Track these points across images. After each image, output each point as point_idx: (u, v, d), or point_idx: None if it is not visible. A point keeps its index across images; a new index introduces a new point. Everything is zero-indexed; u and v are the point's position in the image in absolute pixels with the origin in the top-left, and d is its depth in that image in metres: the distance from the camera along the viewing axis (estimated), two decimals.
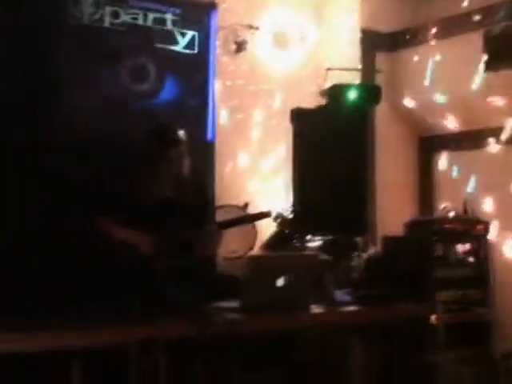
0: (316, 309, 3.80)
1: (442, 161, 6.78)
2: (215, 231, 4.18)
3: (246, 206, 5.69)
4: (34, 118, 4.96)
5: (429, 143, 6.93)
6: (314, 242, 5.46)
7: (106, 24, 5.26)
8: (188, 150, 4.15)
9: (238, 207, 5.60)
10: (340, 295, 4.19)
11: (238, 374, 3.53)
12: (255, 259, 3.75)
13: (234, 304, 3.62)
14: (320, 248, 5.31)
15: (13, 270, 4.75)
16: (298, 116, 5.46)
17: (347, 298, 4.18)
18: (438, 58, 6.44)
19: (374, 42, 6.66)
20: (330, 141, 5.47)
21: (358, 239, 5.60)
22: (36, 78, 4.91)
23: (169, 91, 5.53)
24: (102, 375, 3.25)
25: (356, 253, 5.31)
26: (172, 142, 4.02)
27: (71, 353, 3.34)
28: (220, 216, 4.88)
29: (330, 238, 5.41)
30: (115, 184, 4.21)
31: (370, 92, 5.77)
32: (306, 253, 4.24)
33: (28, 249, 4.84)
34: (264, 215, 4.69)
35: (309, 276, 3.77)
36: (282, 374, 4.04)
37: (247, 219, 5.04)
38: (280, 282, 3.58)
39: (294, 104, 5.69)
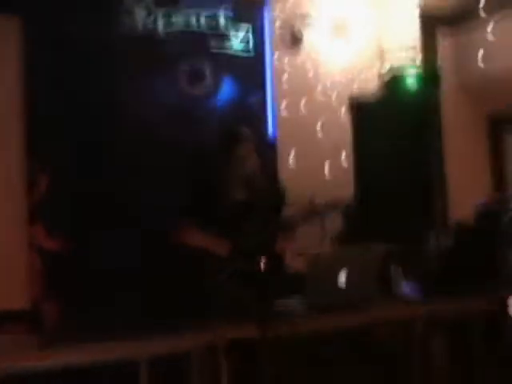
0: (383, 304, 3.70)
1: None
2: (289, 230, 4.15)
3: (312, 200, 5.62)
4: (97, 127, 5.07)
5: (499, 123, 6.68)
6: (382, 234, 5.35)
7: (160, 31, 5.30)
8: (255, 149, 4.11)
9: (305, 202, 5.55)
10: (409, 288, 4.07)
11: (304, 373, 3.48)
12: (316, 256, 3.68)
13: (298, 302, 3.56)
14: (388, 239, 5.20)
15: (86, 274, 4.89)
16: (358, 106, 5.35)
17: (416, 291, 4.06)
18: (505, 30, 6.04)
19: (435, 19, 6.38)
20: (392, 129, 5.34)
21: (428, 229, 5.46)
22: (93, 89, 5.00)
23: (227, 92, 5.54)
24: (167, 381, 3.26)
25: (426, 243, 5.17)
26: (235, 142, 4.00)
27: (137, 361, 3.37)
28: (289, 212, 4.84)
29: (398, 228, 5.29)
30: (188, 187, 4.21)
31: (431, 75, 5.61)
32: (371, 246, 4.13)
33: (104, 252, 4.99)
34: (334, 207, 4.60)
35: (374, 270, 3.67)
36: (348, 371, 3.97)
37: (318, 213, 4.97)
38: (343, 277, 3.51)
39: (354, 93, 5.59)
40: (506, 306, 4.22)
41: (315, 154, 5.85)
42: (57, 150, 4.92)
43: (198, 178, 4.27)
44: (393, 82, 5.51)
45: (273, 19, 5.64)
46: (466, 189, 6.31)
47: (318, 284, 3.52)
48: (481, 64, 6.12)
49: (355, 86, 5.78)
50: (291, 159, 5.75)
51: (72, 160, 4.96)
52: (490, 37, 6.09)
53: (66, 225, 4.97)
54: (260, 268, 3.92)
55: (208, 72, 5.46)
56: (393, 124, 5.37)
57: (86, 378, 3.73)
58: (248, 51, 5.55)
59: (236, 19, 5.51)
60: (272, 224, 4.05)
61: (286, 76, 5.80)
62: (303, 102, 5.83)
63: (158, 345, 3.20)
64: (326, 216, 5.16)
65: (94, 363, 3.20)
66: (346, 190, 5.73)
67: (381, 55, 5.92)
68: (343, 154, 5.81)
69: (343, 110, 5.63)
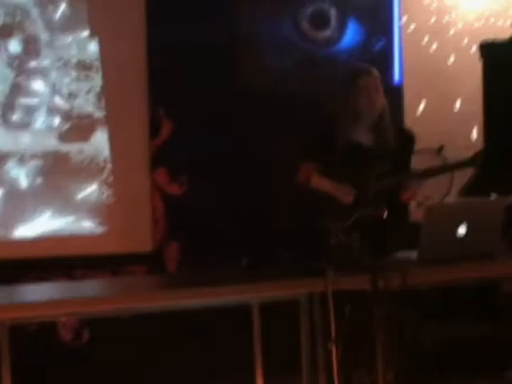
0: (504, 258, 3.53)
1: None
2: (417, 180, 3.97)
3: (440, 148, 5.39)
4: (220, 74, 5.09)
5: None
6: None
7: None
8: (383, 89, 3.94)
9: (432, 151, 5.35)
10: None
11: (415, 328, 3.40)
12: (434, 207, 3.54)
13: (415, 255, 3.46)
14: None
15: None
16: (489, 50, 5.07)
17: None
18: None
19: None
20: None
21: None
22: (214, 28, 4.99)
23: (351, 36, 5.39)
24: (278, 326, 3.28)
25: None
26: (365, 72, 3.85)
27: (250, 305, 3.41)
28: (416, 162, 4.67)
29: None
30: (316, 131, 4.11)
31: None
32: (492, 199, 3.92)
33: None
34: (470, 162, 4.32)
35: (495, 223, 3.49)
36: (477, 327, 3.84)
37: (452, 167, 4.76)
38: (462, 230, 3.37)
39: (485, 38, 5.30)
40: None
41: (443, 100, 5.62)
42: (181, 96, 4.98)
43: (318, 123, 4.16)
44: None
45: None
46: None
47: (431, 236, 3.39)
48: None
49: (486, 31, 5.47)
50: (418, 105, 5.55)
51: (194, 106, 5.01)
52: None
53: (189, 169, 5.06)
54: (382, 217, 3.81)
55: (332, 15, 5.33)
56: None
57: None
58: None
59: None
60: (399, 172, 3.89)
61: (414, 19, 5.57)
62: (431, 45, 5.59)
63: (270, 289, 3.21)
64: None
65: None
66: (476, 137, 5.50)
67: None
68: (471, 100, 5.54)
69: (474, 54, 5.34)
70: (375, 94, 3.81)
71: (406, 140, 4.03)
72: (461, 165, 4.56)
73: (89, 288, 3.68)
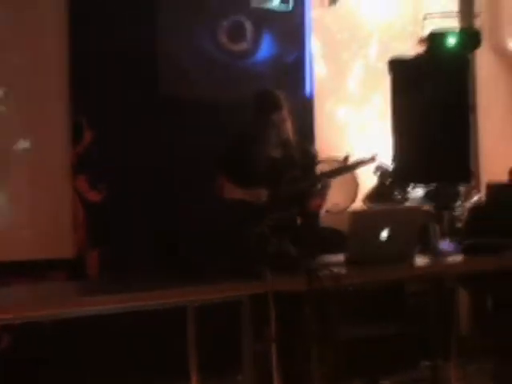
0: (421, 260, 3.83)
1: None
2: (323, 182, 4.26)
3: (346, 158, 5.70)
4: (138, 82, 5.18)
5: None
6: (416, 193, 5.45)
7: None
8: (289, 112, 4.23)
9: (338, 160, 5.64)
10: (445, 245, 4.18)
11: (345, 327, 3.63)
12: (358, 214, 3.80)
13: (339, 258, 3.69)
14: (422, 198, 5.30)
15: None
16: (397, 66, 5.39)
17: (452, 248, 4.17)
18: None
19: None
20: (430, 89, 5.38)
21: (461, 187, 5.54)
22: (132, 41, 5.08)
23: (266, 49, 5.61)
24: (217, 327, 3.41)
25: (459, 202, 5.26)
26: (274, 108, 4.12)
27: (186, 308, 3.52)
28: (323, 169, 4.94)
29: (432, 187, 5.37)
30: (225, 146, 4.32)
31: (470, 37, 5.64)
32: (409, 205, 4.24)
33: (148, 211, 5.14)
34: (368, 161, 4.66)
35: (413, 228, 3.79)
36: (388, 325, 4.10)
37: (353, 166, 5.06)
38: (384, 235, 3.63)
39: (392, 54, 5.64)
40: None
41: (351, 112, 5.93)
42: (102, 105, 5.04)
43: (234, 134, 4.40)
44: (432, 42, 5.53)
45: None
46: (499, 148, 6.41)
47: (358, 240, 3.63)
48: None
49: (393, 47, 5.82)
50: (327, 117, 5.84)
51: (115, 115, 5.08)
52: None
53: (108, 177, 5.13)
54: (296, 222, 4.10)
55: (248, 29, 5.53)
56: (430, 83, 5.40)
57: (132, 323, 3.91)
58: (288, 9, 5.60)
59: None
60: (304, 181, 4.17)
61: (323, 34, 5.86)
62: (340, 59, 5.90)
63: (207, 292, 3.34)
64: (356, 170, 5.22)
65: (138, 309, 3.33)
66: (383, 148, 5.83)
67: (418, 20, 5.96)
68: (379, 113, 5.89)
69: (381, 69, 5.67)
70: (284, 125, 4.14)
71: (309, 154, 4.35)
72: (357, 165, 4.90)
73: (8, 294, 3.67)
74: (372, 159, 4.60)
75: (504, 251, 4.01)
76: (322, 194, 4.31)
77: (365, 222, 3.70)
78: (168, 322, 3.88)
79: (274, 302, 3.21)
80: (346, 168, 4.79)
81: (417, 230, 3.80)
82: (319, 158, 5.27)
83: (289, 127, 4.19)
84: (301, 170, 4.19)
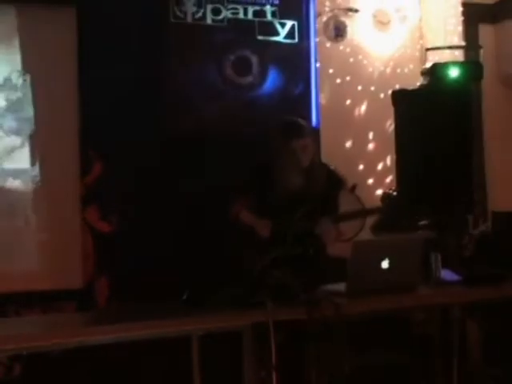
0: (423, 290, 3.85)
1: None
2: (330, 226, 4.29)
3: (353, 188, 5.77)
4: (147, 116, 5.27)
5: None
6: (422, 222, 5.47)
7: (209, 21, 5.47)
8: (313, 141, 4.29)
9: (346, 189, 5.69)
10: (448, 275, 4.19)
11: (346, 357, 3.65)
12: (360, 243, 3.84)
13: (341, 287, 3.73)
14: (428, 227, 5.32)
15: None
16: (401, 97, 5.46)
17: (456, 277, 4.17)
18: None
19: (477, 15, 6.53)
20: (434, 120, 5.43)
21: (468, 216, 5.56)
22: (143, 79, 5.19)
23: (272, 82, 5.69)
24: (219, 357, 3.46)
25: (465, 230, 5.28)
26: (295, 135, 4.17)
27: (190, 337, 3.57)
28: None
29: (438, 216, 5.40)
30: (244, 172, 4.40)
31: (472, 69, 5.71)
32: (412, 235, 4.26)
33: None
34: (377, 210, 4.75)
35: (415, 258, 3.81)
36: (391, 355, 4.11)
37: (362, 213, 5.14)
38: (385, 264, 3.66)
39: (396, 85, 5.73)
40: None
41: (357, 143, 6.00)
42: (110, 138, 5.14)
43: (253, 165, 4.43)
44: (434, 74, 5.61)
45: (318, 11, 5.79)
46: (505, 178, 6.44)
47: (359, 270, 3.67)
48: None
49: (397, 78, 5.91)
50: (333, 148, 5.89)
51: (125, 147, 5.18)
52: None
53: (119, 208, 5.21)
54: (302, 252, 4.14)
55: (254, 62, 5.62)
56: (434, 114, 5.45)
57: (139, 353, 3.96)
58: (294, 43, 5.69)
59: (283, 12, 5.66)
60: (319, 214, 4.20)
61: (329, 67, 5.95)
62: (345, 91, 5.99)
63: (209, 321, 3.40)
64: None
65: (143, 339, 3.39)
66: (389, 178, 5.89)
67: (422, 52, 6.05)
68: (385, 143, 5.95)
69: (386, 100, 5.74)
70: (305, 152, 4.17)
71: (335, 181, 4.38)
72: (370, 212, 4.98)
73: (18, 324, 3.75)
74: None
75: (508, 281, 4.01)
76: (327, 237, 4.34)
77: (366, 252, 3.74)
78: (172, 351, 3.93)
79: (274, 331, 3.24)
80: (356, 214, 4.84)
81: (419, 260, 3.83)
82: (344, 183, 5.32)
83: (311, 154, 4.22)
84: (323, 201, 4.22)
